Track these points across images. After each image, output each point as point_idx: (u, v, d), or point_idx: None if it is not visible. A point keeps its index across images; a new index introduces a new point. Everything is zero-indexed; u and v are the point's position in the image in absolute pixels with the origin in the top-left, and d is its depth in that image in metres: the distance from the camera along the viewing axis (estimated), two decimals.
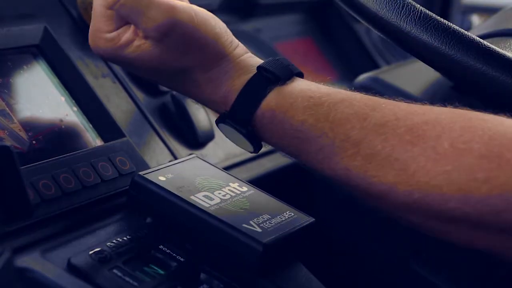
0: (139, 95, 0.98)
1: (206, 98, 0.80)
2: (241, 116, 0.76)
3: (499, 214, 0.65)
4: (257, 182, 0.86)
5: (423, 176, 0.67)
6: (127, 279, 0.70)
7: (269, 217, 0.78)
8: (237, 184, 0.82)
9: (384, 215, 0.73)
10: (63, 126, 0.85)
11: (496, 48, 0.78)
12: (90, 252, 0.71)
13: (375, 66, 1.40)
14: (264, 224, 0.77)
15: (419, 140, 0.69)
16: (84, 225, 0.76)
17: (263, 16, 1.32)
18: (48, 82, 0.88)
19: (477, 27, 1.15)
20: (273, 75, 0.77)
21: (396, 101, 0.74)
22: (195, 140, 1.00)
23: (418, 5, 0.79)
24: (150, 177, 0.78)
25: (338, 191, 0.76)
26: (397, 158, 0.69)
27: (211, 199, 0.78)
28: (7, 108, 0.82)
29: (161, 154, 0.94)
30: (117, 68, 0.97)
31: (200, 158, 0.85)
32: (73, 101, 0.88)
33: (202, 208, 0.76)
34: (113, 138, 0.87)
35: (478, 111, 0.71)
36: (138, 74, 0.85)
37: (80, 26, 0.95)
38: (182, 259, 0.75)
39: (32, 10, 0.91)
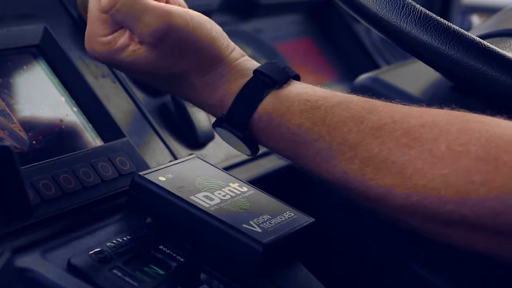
0: (139, 95, 0.98)
1: (203, 101, 0.80)
2: (238, 120, 0.76)
3: (496, 216, 0.65)
4: (257, 182, 0.86)
5: (420, 179, 0.67)
6: (127, 279, 0.70)
7: (269, 217, 0.78)
8: (237, 184, 0.82)
9: (384, 217, 0.73)
10: (63, 126, 0.85)
11: (496, 48, 0.78)
12: (90, 252, 0.71)
13: (375, 66, 1.40)
14: (264, 224, 0.77)
15: (416, 143, 0.69)
16: (84, 225, 0.76)
17: (263, 16, 1.32)
18: (48, 82, 0.88)
19: (477, 27, 1.15)
20: (269, 79, 0.77)
21: (393, 103, 0.74)
22: (195, 140, 1.00)
23: (418, 5, 0.79)
24: (150, 177, 0.78)
25: (338, 191, 0.76)
26: (394, 161, 0.69)
27: (211, 199, 0.78)
28: (7, 108, 0.82)
29: (161, 154, 0.94)
30: None
31: (200, 158, 0.85)
32: (73, 101, 0.88)
33: (202, 208, 0.76)
34: (113, 138, 0.87)
35: (476, 112, 0.71)
36: (135, 78, 0.85)
37: (80, 26, 0.95)
38: (182, 259, 0.75)
39: (32, 10, 0.91)
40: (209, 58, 0.78)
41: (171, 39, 0.77)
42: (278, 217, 0.79)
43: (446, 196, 0.66)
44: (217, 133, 0.80)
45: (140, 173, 0.79)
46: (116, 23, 0.78)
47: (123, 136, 0.88)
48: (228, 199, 0.79)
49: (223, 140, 0.80)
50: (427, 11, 0.79)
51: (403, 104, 0.74)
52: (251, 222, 0.76)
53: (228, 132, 0.77)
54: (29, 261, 0.69)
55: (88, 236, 0.75)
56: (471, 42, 0.78)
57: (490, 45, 0.78)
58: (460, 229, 0.68)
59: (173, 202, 0.77)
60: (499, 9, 1.15)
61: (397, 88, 1.03)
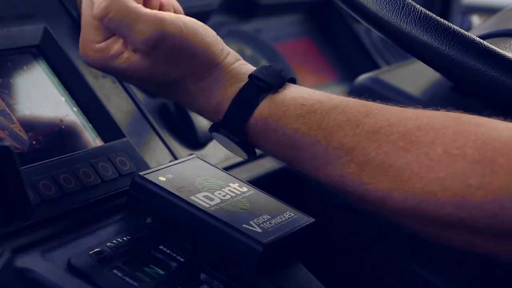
0: (139, 95, 0.98)
1: (199, 107, 0.80)
2: (234, 125, 0.76)
3: (493, 219, 0.65)
4: (257, 182, 0.86)
5: (418, 183, 0.67)
6: (127, 279, 0.70)
7: (269, 217, 0.78)
8: (237, 185, 0.82)
9: (383, 219, 0.73)
10: (63, 126, 0.85)
11: (496, 48, 0.78)
12: (90, 253, 0.71)
13: (375, 66, 1.40)
14: (264, 224, 0.77)
15: (412, 146, 0.69)
16: (84, 226, 0.76)
17: (263, 17, 1.32)
18: (48, 82, 0.88)
19: (477, 28, 1.15)
20: (265, 83, 0.76)
21: (389, 105, 0.73)
22: (195, 140, 1.00)
23: (418, 6, 0.79)
24: (150, 177, 0.78)
25: (337, 192, 0.76)
26: (391, 165, 0.69)
27: (211, 199, 0.78)
28: (7, 108, 0.82)
29: (161, 154, 0.94)
30: None
31: (200, 159, 0.85)
32: (73, 101, 0.88)
33: (202, 208, 0.76)
34: (113, 138, 0.87)
35: (476, 112, 0.71)
36: (130, 83, 0.85)
37: (80, 26, 0.95)
38: (182, 259, 0.75)
39: (32, 10, 0.91)
40: (204, 64, 0.78)
41: (165, 46, 0.76)
42: (278, 217, 0.79)
43: (443, 199, 0.66)
44: (214, 137, 0.80)
45: (140, 173, 0.79)
46: (109, 29, 0.78)
47: (123, 136, 0.88)
48: (228, 199, 0.79)
49: (220, 144, 0.80)
50: (427, 11, 0.79)
51: (399, 106, 0.73)
52: (251, 222, 0.76)
53: (224, 137, 0.77)
54: (29, 261, 0.69)
55: (88, 236, 0.75)
56: (471, 42, 0.78)
57: (490, 45, 0.78)
58: (458, 231, 0.68)
59: (173, 202, 0.77)
60: (499, 9, 1.15)
61: (397, 88, 1.03)
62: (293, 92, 0.76)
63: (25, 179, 0.70)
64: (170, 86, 0.79)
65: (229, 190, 0.81)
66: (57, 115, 0.86)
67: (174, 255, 0.75)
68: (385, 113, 0.72)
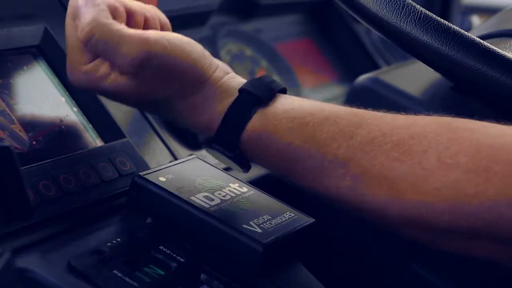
0: None
1: (191, 123, 0.79)
2: (227, 140, 0.76)
3: (491, 226, 0.65)
4: (257, 182, 0.86)
5: (413, 194, 0.67)
6: (127, 279, 0.70)
7: (269, 217, 0.78)
8: (237, 185, 0.82)
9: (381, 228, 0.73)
10: (63, 127, 0.85)
11: (496, 48, 0.78)
12: (90, 253, 0.71)
13: (375, 66, 1.40)
14: (264, 224, 0.77)
15: (406, 157, 0.68)
16: (84, 226, 0.76)
17: (263, 17, 1.32)
18: (48, 82, 0.88)
19: (477, 28, 1.15)
20: (255, 97, 0.76)
21: (382, 112, 0.73)
22: (195, 140, 1.00)
23: (418, 6, 0.79)
24: (150, 177, 0.78)
25: None
26: (386, 176, 0.69)
27: (211, 199, 0.78)
28: (7, 109, 0.82)
29: (161, 155, 0.94)
30: None
31: (200, 159, 0.85)
32: (73, 101, 0.88)
33: (202, 208, 0.76)
34: (113, 139, 0.87)
35: (462, 117, 0.71)
36: (120, 103, 0.85)
37: None
38: (182, 260, 0.75)
39: (32, 11, 0.91)
40: (192, 80, 0.78)
41: (151, 66, 0.76)
42: (278, 217, 0.79)
43: (440, 208, 0.66)
44: (208, 152, 0.79)
45: (140, 173, 0.79)
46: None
47: (123, 136, 0.88)
48: (228, 199, 0.79)
49: (215, 158, 0.80)
50: (427, 12, 0.79)
51: (392, 112, 0.73)
52: (251, 222, 0.76)
53: (218, 152, 0.77)
54: (29, 261, 0.69)
55: (88, 236, 0.75)
56: (471, 42, 0.78)
57: (490, 46, 0.78)
58: (457, 237, 0.68)
59: (173, 203, 0.77)
60: (499, 9, 1.15)
61: (397, 88, 1.03)
62: (284, 104, 0.76)
63: (25, 179, 0.70)
64: (160, 104, 0.79)
65: (229, 190, 0.81)
66: (57, 115, 0.86)
67: (174, 255, 0.75)
68: (378, 122, 0.71)
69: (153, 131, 0.96)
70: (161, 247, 0.75)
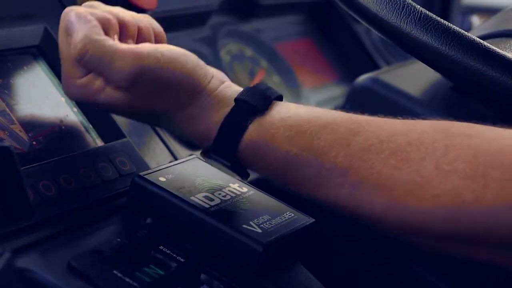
0: None
1: (188, 134, 0.79)
2: (225, 150, 0.76)
3: (491, 231, 0.65)
4: (257, 183, 0.86)
5: (412, 202, 0.67)
6: (127, 279, 0.70)
7: (269, 217, 0.78)
8: (237, 185, 0.82)
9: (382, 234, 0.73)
10: (63, 127, 0.85)
11: (496, 48, 0.78)
12: (90, 253, 0.71)
13: (375, 66, 1.40)
14: (264, 224, 0.77)
15: (404, 164, 0.68)
16: (84, 226, 0.76)
17: (263, 17, 1.32)
18: (48, 82, 0.88)
19: (477, 28, 1.15)
20: (251, 106, 0.76)
21: (379, 117, 0.73)
22: None
23: (418, 6, 0.79)
24: (150, 177, 0.78)
25: None
26: (384, 184, 0.69)
27: (211, 199, 0.78)
28: (7, 109, 0.82)
29: (161, 155, 0.94)
30: None
31: (200, 159, 0.85)
32: (73, 101, 0.88)
33: (202, 208, 0.76)
34: (113, 139, 0.87)
35: (462, 119, 0.70)
36: (116, 115, 0.84)
37: None
38: (182, 260, 0.75)
39: (32, 11, 0.91)
40: (188, 91, 0.77)
41: (145, 80, 0.76)
42: (278, 217, 0.79)
43: (439, 215, 0.66)
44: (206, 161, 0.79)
45: (140, 173, 0.79)
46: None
47: (123, 136, 0.88)
48: (228, 199, 0.79)
49: (214, 166, 0.80)
50: (427, 12, 0.79)
51: (391, 114, 0.73)
52: (251, 222, 0.76)
53: (216, 162, 0.77)
54: (29, 261, 0.69)
55: (88, 237, 0.75)
56: (471, 42, 0.78)
57: (490, 46, 0.78)
58: (456, 243, 0.68)
59: (173, 203, 0.77)
60: (499, 9, 1.15)
61: (397, 88, 1.03)
62: (281, 112, 0.76)
63: (25, 179, 0.70)
64: (157, 116, 0.79)
65: (229, 190, 0.81)
66: (57, 115, 0.86)
67: (174, 255, 0.75)
68: (375, 129, 0.71)
69: (153, 131, 0.96)
70: (161, 247, 0.75)
